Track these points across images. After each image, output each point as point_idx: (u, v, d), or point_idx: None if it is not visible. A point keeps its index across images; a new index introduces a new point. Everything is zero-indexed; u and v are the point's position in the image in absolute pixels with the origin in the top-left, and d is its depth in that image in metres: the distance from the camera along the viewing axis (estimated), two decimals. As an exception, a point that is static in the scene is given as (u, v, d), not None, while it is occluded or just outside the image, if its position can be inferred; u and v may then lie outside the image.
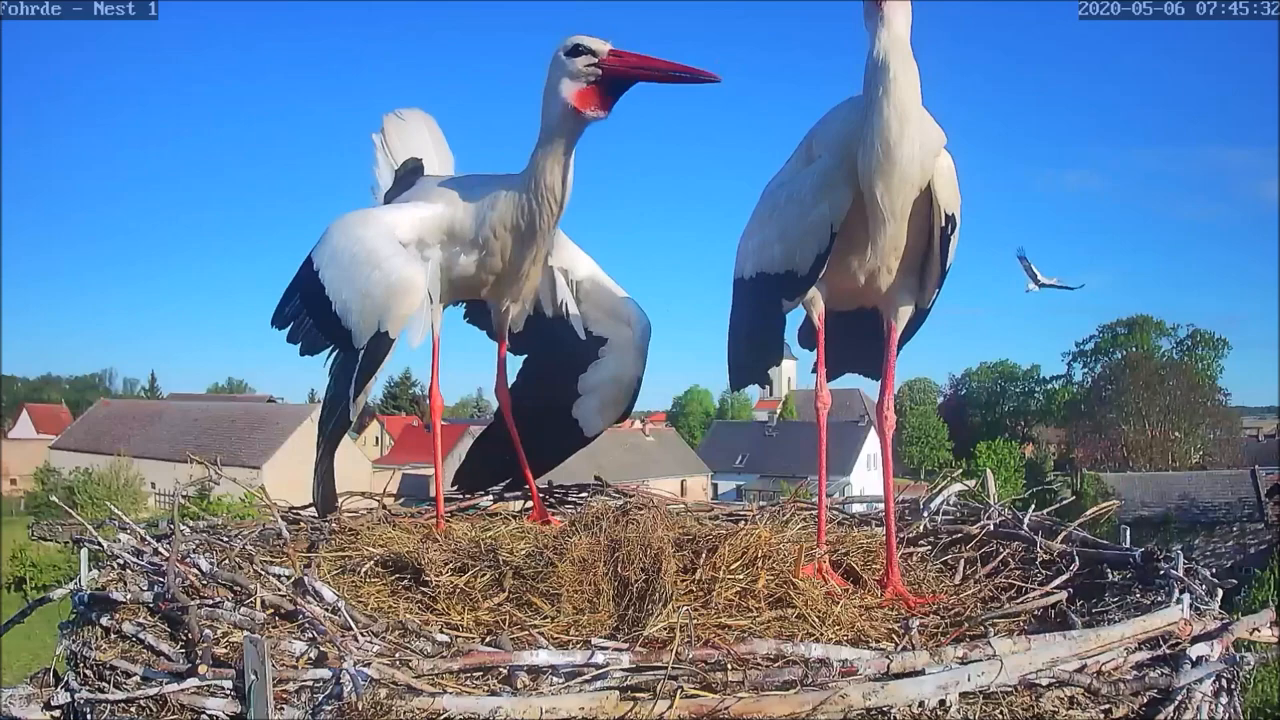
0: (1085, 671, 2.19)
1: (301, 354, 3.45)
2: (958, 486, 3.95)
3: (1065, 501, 4.18)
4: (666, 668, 2.06)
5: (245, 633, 2.14)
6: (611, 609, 2.55)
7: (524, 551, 2.83)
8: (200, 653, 2.15)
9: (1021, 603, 2.71)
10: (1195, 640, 2.40)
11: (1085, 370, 51.74)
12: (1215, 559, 17.08)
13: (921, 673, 2.09)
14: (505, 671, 2.12)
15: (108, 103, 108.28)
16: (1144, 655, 2.32)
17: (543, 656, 2.14)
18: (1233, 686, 2.45)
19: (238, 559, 3.05)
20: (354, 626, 2.33)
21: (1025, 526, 3.36)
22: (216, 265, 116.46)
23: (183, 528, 3.26)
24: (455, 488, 4.29)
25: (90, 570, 2.74)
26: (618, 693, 2.02)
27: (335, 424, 3.44)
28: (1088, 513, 3.66)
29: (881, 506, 4.02)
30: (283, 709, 2.02)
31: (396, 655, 2.18)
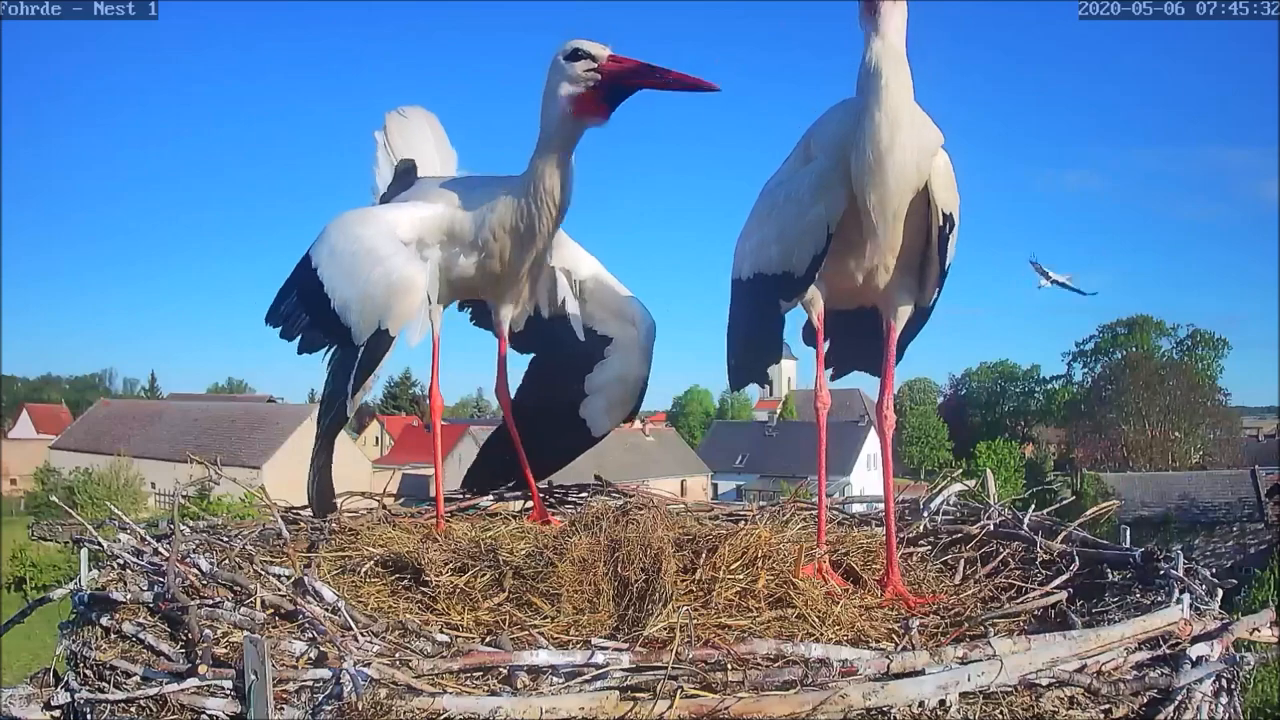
0: (1085, 671, 2.19)
1: (299, 352, 3.45)
2: (958, 486, 3.95)
3: (1065, 501, 4.18)
4: (666, 668, 2.05)
5: (245, 633, 2.14)
6: (611, 609, 2.55)
7: (524, 551, 2.83)
8: (200, 653, 2.15)
9: (1021, 603, 2.71)
10: (1195, 640, 2.40)
11: (1085, 370, 51.80)
12: (1215, 559, 17.08)
13: (921, 673, 2.09)
14: (505, 671, 2.12)
15: (108, 103, 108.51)
16: (1144, 655, 2.32)
17: (543, 656, 2.14)
18: (1233, 686, 2.45)
19: (238, 559, 3.05)
20: (354, 626, 2.33)
21: (1025, 526, 3.36)
22: (216, 265, 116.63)
23: (183, 528, 3.26)
24: (461, 489, 4.29)
25: (90, 570, 2.74)
26: (618, 693, 2.02)
27: (332, 420, 3.44)
28: (1088, 513, 3.66)
29: (881, 506, 4.03)
30: (283, 709, 2.02)
31: (396, 655, 2.18)
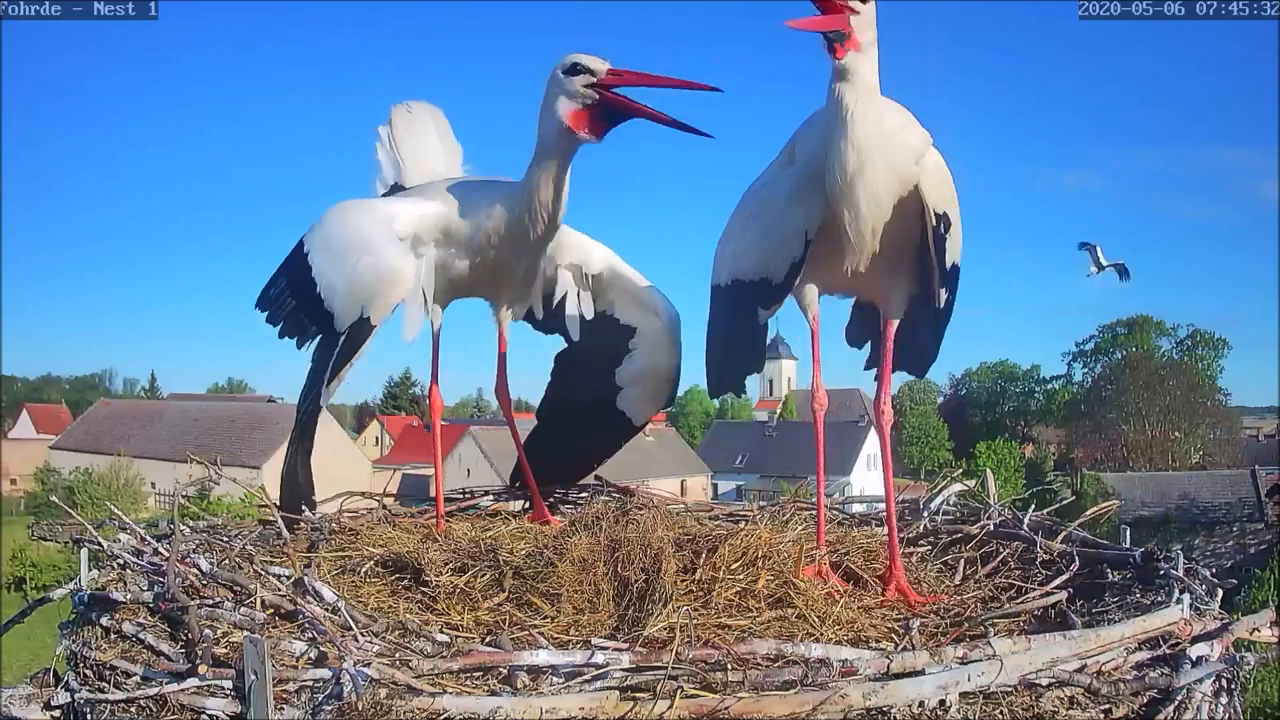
0: (1085, 671, 2.19)
1: (280, 335, 3.44)
2: (958, 486, 3.95)
3: (1065, 501, 4.18)
4: (666, 668, 2.05)
5: (245, 633, 2.14)
6: (611, 609, 2.55)
7: (524, 551, 2.83)
8: (200, 653, 2.15)
9: (1021, 603, 2.71)
10: (1195, 640, 2.40)
11: (1085, 370, 51.79)
12: (1215, 559, 17.08)
13: (921, 673, 2.09)
14: (505, 671, 2.12)
15: (108, 103, 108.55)
16: (1144, 655, 2.32)
17: (543, 656, 2.14)
18: (1233, 686, 2.45)
19: (238, 559, 3.05)
20: (354, 626, 2.33)
21: (1025, 526, 3.35)
22: (216, 265, 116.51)
23: (183, 528, 3.26)
24: (509, 486, 4.27)
25: (90, 570, 2.73)
26: (618, 693, 2.01)
27: (308, 410, 3.42)
28: (1088, 513, 3.65)
29: (881, 506, 4.02)
30: (283, 709, 2.02)
31: (396, 655, 2.18)
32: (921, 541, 3.53)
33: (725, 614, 2.53)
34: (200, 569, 2.67)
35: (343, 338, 3.27)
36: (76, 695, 2.31)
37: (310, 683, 2.06)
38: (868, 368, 3.52)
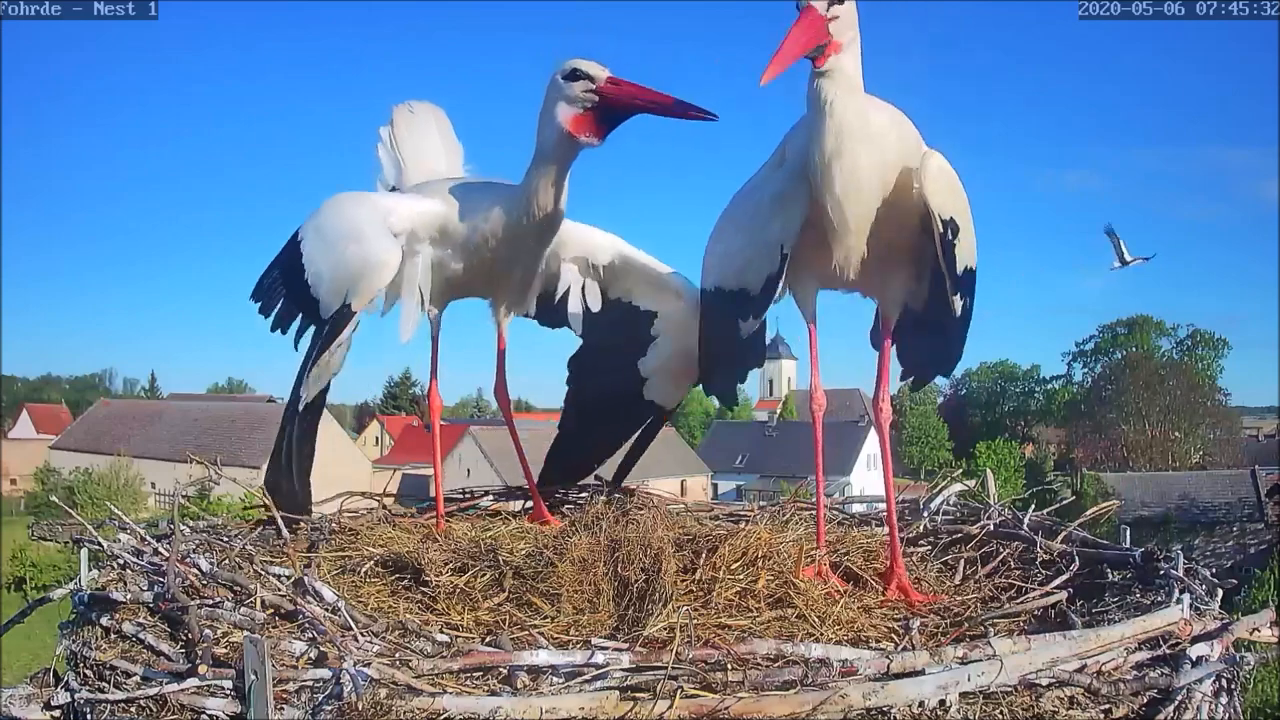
0: (1085, 671, 2.19)
1: (272, 329, 3.39)
2: (958, 486, 3.95)
3: (1065, 501, 4.18)
4: (666, 668, 2.05)
5: (245, 633, 2.14)
6: (611, 609, 2.55)
7: (524, 551, 2.83)
8: (200, 653, 2.15)
9: (1021, 603, 2.71)
10: (1195, 640, 2.40)
11: (1085, 370, 51.79)
12: (1215, 559, 17.07)
13: (921, 673, 2.09)
14: (505, 671, 2.12)
15: (108, 103, 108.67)
16: (1144, 655, 2.32)
17: (543, 656, 2.14)
18: (1233, 686, 2.45)
19: (238, 559, 3.05)
20: (354, 626, 2.33)
21: (1025, 526, 3.35)
22: (216, 265, 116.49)
23: (183, 528, 3.26)
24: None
25: (90, 570, 2.73)
26: (618, 693, 2.02)
27: (291, 404, 3.39)
28: (1088, 513, 3.65)
29: (881, 506, 4.03)
30: (283, 709, 2.02)
31: (396, 655, 2.18)
32: (921, 541, 3.53)
33: (725, 614, 2.53)
34: (200, 569, 2.67)
35: (326, 327, 3.22)
36: (76, 695, 2.31)
37: (310, 683, 2.06)
38: (906, 378, 3.47)
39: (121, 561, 2.81)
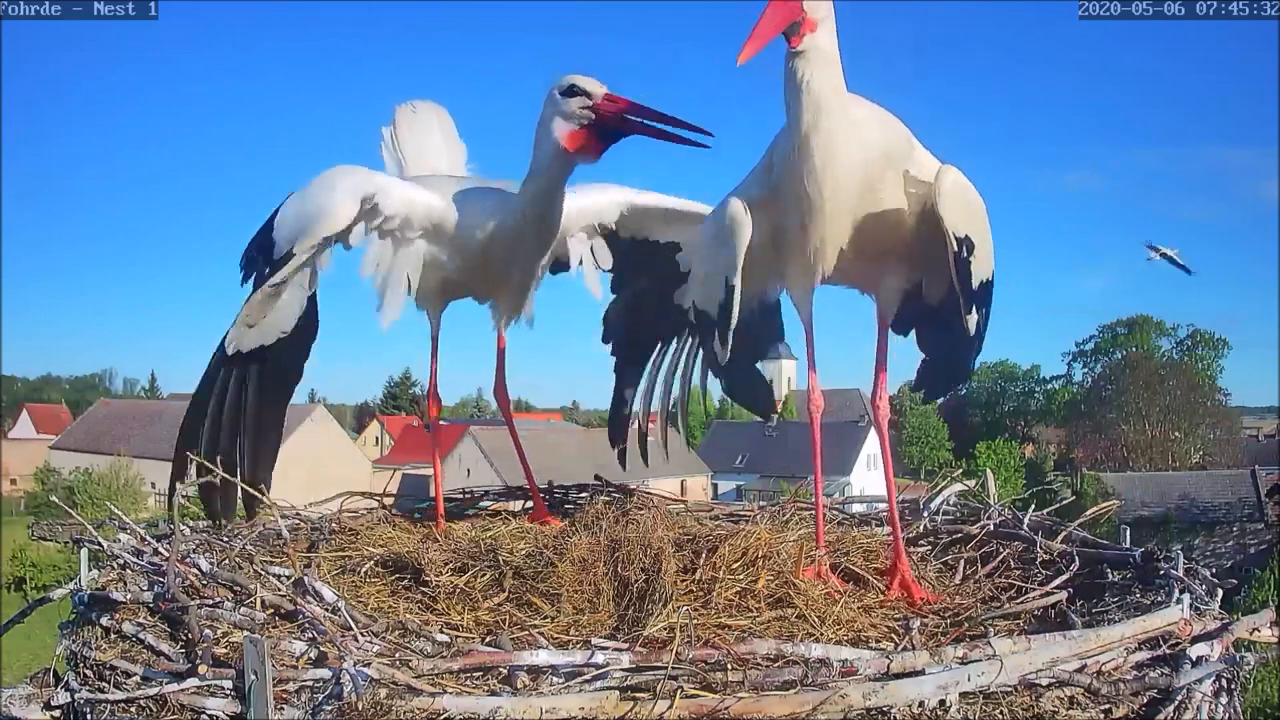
0: (1085, 671, 2.19)
1: (241, 284, 3.37)
2: (958, 486, 3.95)
3: (1065, 501, 4.17)
4: (666, 668, 2.05)
5: (245, 633, 2.14)
6: (611, 609, 2.55)
7: (524, 551, 2.83)
8: (200, 653, 2.15)
9: (1021, 603, 2.71)
10: (1195, 640, 2.40)
11: (1085, 370, 51.81)
12: (1215, 559, 17.06)
13: (921, 673, 2.08)
14: (505, 671, 2.12)
15: (108, 103, 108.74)
16: (1144, 655, 2.31)
17: (543, 656, 2.14)
18: (1233, 686, 2.45)
19: (238, 559, 3.05)
20: (354, 626, 2.33)
21: (1025, 526, 3.35)
22: (217, 265, 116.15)
23: (183, 528, 3.26)
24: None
25: (90, 570, 2.73)
26: (618, 693, 2.01)
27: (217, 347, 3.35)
28: (1088, 513, 3.65)
29: (881, 506, 4.03)
30: (283, 709, 2.02)
31: (396, 655, 2.18)
32: (921, 541, 3.53)
33: (725, 614, 2.53)
34: (200, 569, 2.67)
35: (268, 269, 3.17)
36: (76, 695, 2.31)
37: (310, 683, 2.06)
38: (917, 388, 3.42)
39: (121, 561, 2.80)
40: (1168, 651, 2.34)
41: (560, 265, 3.76)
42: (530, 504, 3.94)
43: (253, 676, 2.00)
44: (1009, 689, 2.11)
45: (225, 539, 3.28)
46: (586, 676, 2.07)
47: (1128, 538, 3.33)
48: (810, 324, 3.05)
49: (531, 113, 3.26)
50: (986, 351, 3.06)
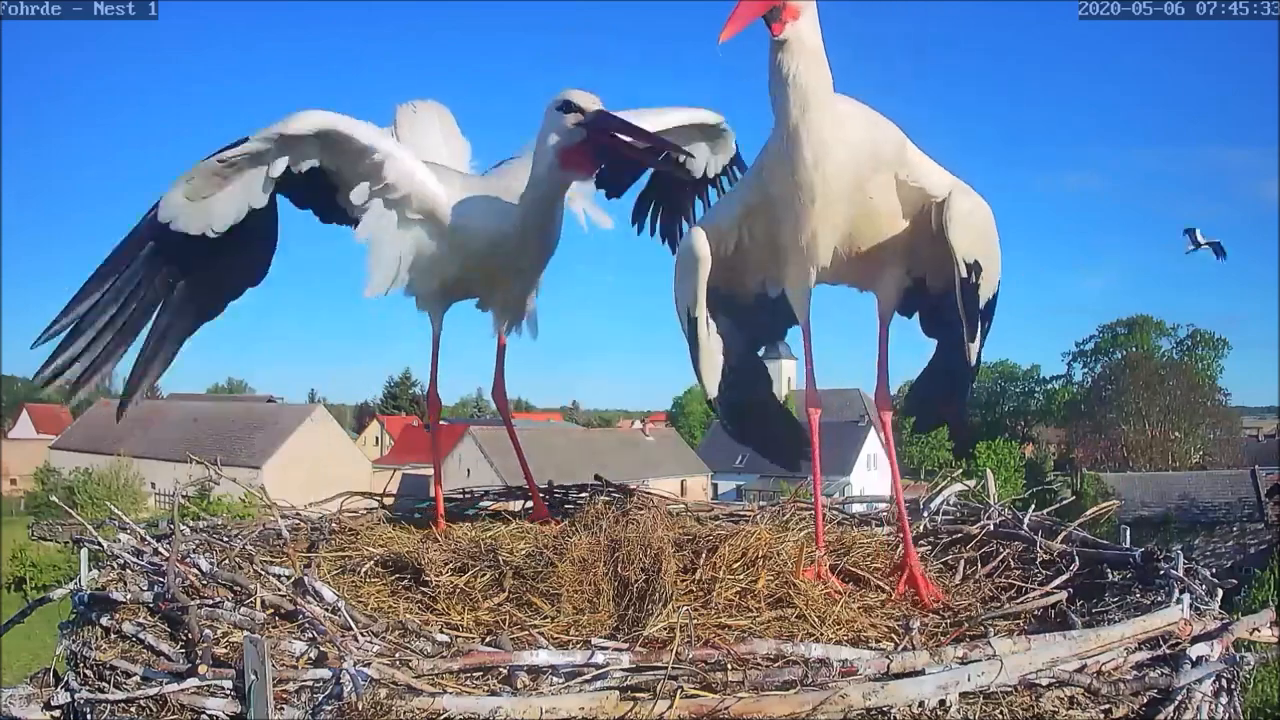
0: (1085, 671, 2.19)
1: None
2: (958, 486, 3.95)
3: (1065, 501, 4.17)
4: (666, 668, 2.05)
5: (245, 633, 2.14)
6: (611, 609, 2.55)
7: (524, 551, 2.83)
8: (200, 653, 2.15)
9: (1021, 603, 2.71)
10: (1195, 640, 2.40)
11: (1085, 370, 51.75)
12: (1215, 559, 17.05)
13: (921, 673, 2.09)
14: (505, 671, 2.12)
15: (108, 103, 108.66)
16: (1144, 655, 2.31)
17: (543, 656, 2.14)
18: (1233, 686, 2.45)
19: (238, 559, 3.05)
20: (354, 626, 2.33)
21: (1025, 526, 3.35)
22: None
23: (183, 528, 3.26)
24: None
25: (90, 570, 2.74)
26: (618, 693, 2.01)
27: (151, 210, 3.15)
28: (1088, 513, 3.65)
29: (881, 506, 4.03)
30: (283, 709, 2.02)
31: (396, 655, 2.18)
32: (921, 541, 3.53)
33: (725, 614, 2.53)
34: (200, 569, 2.67)
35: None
36: (76, 695, 2.31)
37: (310, 683, 2.06)
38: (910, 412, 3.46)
39: (121, 561, 2.81)
40: (1168, 651, 2.34)
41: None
42: (530, 504, 3.94)
43: (253, 676, 2.00)
44: (1009, 689, 2.11)
45: (225, 539, 3.28)
46: (586, 676, 2.07)
47: (1128, 538, 3.33)
48: (808, 325, 3.06)
49: (534, 110, 3.29)
50: (987, 352, 3.06)
